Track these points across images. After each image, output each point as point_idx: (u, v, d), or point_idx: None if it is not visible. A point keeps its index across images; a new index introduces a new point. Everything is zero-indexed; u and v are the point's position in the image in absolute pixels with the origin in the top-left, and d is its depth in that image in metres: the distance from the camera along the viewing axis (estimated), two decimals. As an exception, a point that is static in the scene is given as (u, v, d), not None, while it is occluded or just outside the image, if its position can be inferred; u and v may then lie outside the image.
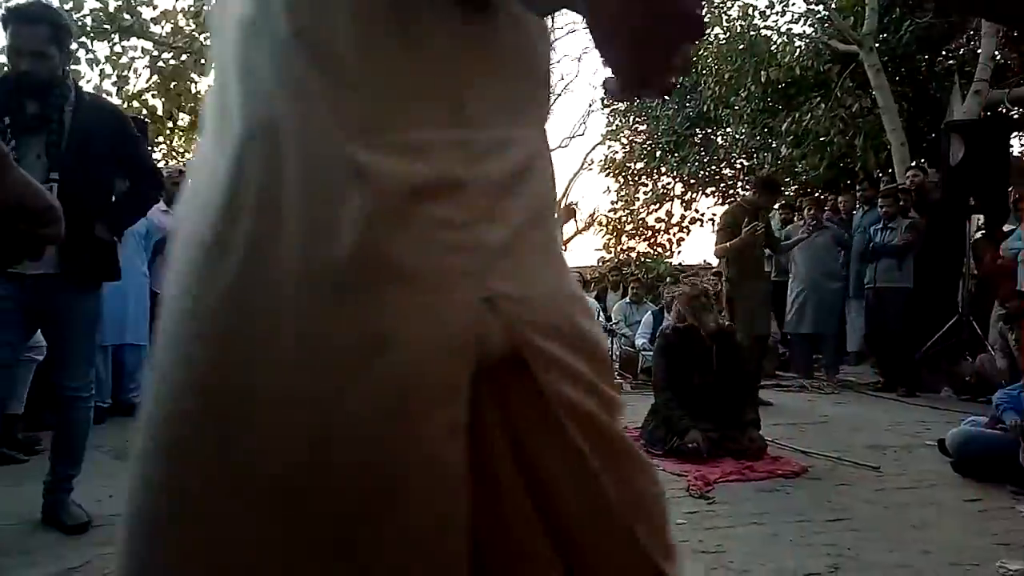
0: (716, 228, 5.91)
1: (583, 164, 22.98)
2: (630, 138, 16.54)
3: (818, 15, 10.95)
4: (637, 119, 16.20)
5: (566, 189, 23.65)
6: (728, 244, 5.44)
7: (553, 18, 25.85)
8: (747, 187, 14.63)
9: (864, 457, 3.82)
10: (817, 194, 9.44)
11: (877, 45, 9.11)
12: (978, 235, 6.92)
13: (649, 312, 7.77)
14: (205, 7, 11.12)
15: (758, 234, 5.38)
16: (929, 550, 2.53)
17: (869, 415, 5.17)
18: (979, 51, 8.99)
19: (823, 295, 6.82)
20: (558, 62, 38.95)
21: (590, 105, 31.74)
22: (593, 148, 22.26)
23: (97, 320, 2.83)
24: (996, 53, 9.13)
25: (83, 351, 2.80)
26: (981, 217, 7.07)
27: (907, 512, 2.98)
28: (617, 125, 16.79)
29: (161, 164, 13.65)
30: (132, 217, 3.05)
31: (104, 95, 10.80)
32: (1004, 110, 9.32)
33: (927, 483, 3.40)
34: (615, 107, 16.68)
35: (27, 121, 2.57)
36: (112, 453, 3.92)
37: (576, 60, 42.25)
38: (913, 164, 7.91)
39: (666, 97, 14.50)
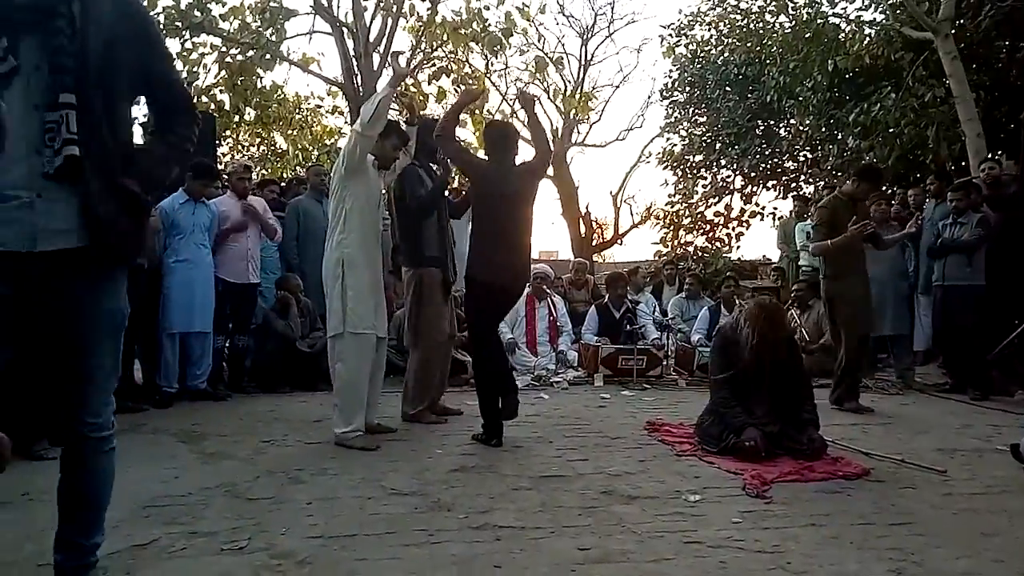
0: (813, 224, 5.67)
1: (640, 157, 22.75)
2: (689, 130, 16.27)
3: (890, 1, 10.53)
4: (697, 111, 15.92)
5: (623, 182, 23.48)
6: (830, 243, 5.18)
7: (612, 8, 25.39)
8: (810, 179, 14.24)
9: (931, 461, 3.68)
10: (883, 188, 9.08)
11: (953, 31, 8.70)
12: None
13: (705, 308, 7.65)
14: (271, 4, 11.39)
15: (868, 233, 5.14)
16: (1000, 558, 2.42)
17: (936, 417, 4.98)
18: (1064, 36, 8.51)
19: (895, 295, 6.55)
20: (616, 53, 38.62)
21: (648, 97, 31.40)
22: (651, 141, 22.03)
23: (124, 321, 1.98)
24: (1083, 38, 8.63)
25: (105, 366, 1.93)
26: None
27: (976, 518, 2.85)
28: (676, 117, 16.55)
29: (227, 157, 14.11)
30: (167, 168, 2.05)
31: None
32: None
33: (998, 489, 3.26)
34: (675, 99, 16.43)
35: (13, 11, 1.73)
36: (178, 436, 4.08)
37: (635, 51, 41.87)
38: (989, 156, 7.55)
39: (727, 88, 14.22)
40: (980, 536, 2.65)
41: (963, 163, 9.14)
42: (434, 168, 4.52)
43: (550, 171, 22.80)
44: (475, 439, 4.03)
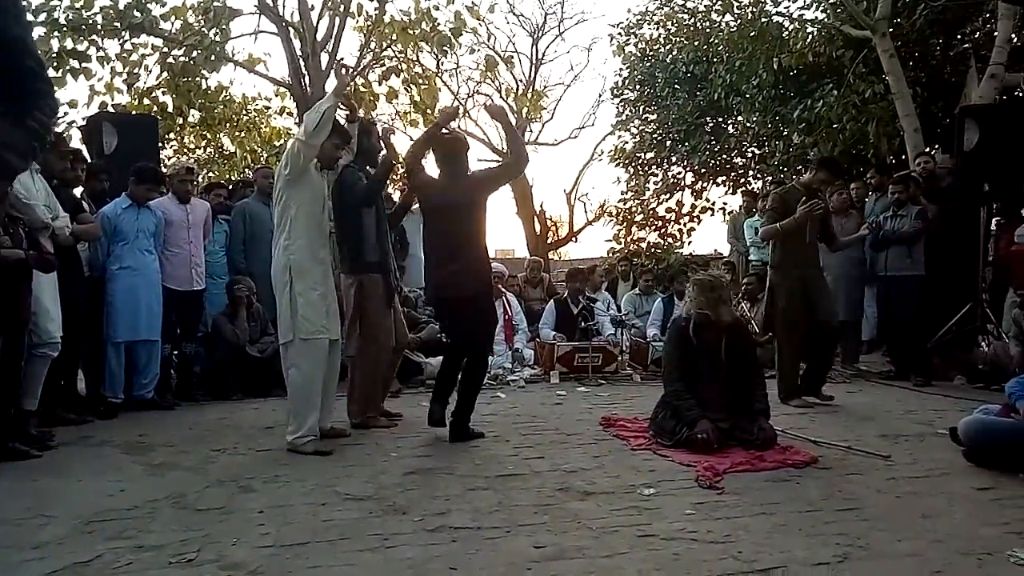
0: (764, 209, 5.51)
1: (593, 154, 22.94)
2: (640, 128, 16.42)
3: (830, 0, 10.81)
4: (647, 109, 16.09)
5: (576, 180, 23.63)
6: (779, 225, 5.09)
7: (562, 7, 25.55)
8: (758, 175, 14.54)
9: (876, 446, 3.79)
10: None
11: (890, 30, 8.98)
12: (996, 221, 6.81)
13: (659, 299, 7.75)
14: (215, 3, 11.14)
15: (816, 213, 5.03)
16: (940, 539, 2.51)
17: (881, 404, 5.13)
18: (995, 34, 8.83)
19: (847, 281, 6.64)
20: (567, 52, 38.84)
21: (599, 95, 31.63)
22: (603, 139, 22.19)
23: None
24: (1013, 36, 8.96)
25: None
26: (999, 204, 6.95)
27: (918, 501, 2.95)
28: (627, 115, 16.68)
29: (172, 160, 13.76)
30: (24, 160, 1.75)
31: (116, 93, 10.89)
32: (1021, 94, 9.16)
33: (939, 472, 3.37)
34: (625, 97, 16.59)
35: None
36: (123, 448, 3.97)
37: (586, 50, 42.16)
38: (926, 151, 7.80)
39: (676, 86, 14.41)
40: (921, 518, 2.74)
41: (903, 157, 9.44)
42: (370, 171, 4.48)
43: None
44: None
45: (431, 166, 4.27)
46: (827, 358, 5.37)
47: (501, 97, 21.36)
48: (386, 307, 4.43)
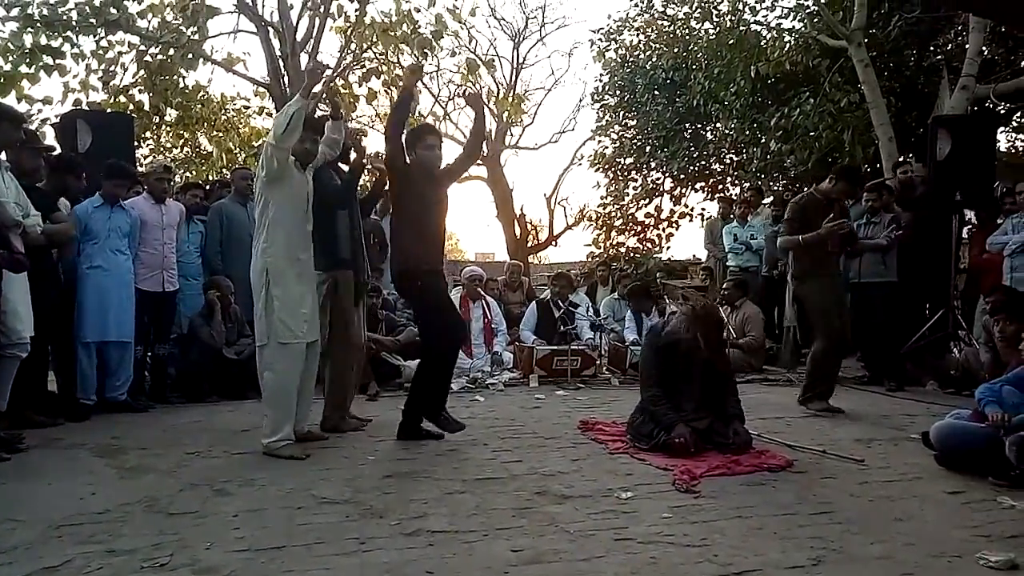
0: (784, 218, 5.41)
1: (573, 159, 23.02)
2: (620, 133, 16.52)
3: (807, 10, 10.94)
4: (627, 114, 16.19)
5: (556, 184, 23.70)
6: (801, 238, 4.99)
7: (543, 12, 25.59)
8: (736, 181, 14.68)
9: (849, 451, 3.84)
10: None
11: (866, 40, 9.12)
12: (968, 229, 6.94)
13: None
14: (193, 1, 11.02)
15: (844, 232, 4.97)
16: (912, 542, 2.55)
17: (855, 409, 5.19)
18: (967, 46, 9.00)
19: None
20: (548, 57, 38.94)
21: (580, 100, 31.76)
22: (583, 144, 22.33)
23: None
24: (984, 48, 9.14)
25: None
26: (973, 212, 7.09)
27: (890, 505, 2.99)
28: (607, 120, 16.77)
29: (148, 159, 13.58)
30: None
31: (91, 90, 10.73)
32: (991, 105, 9.34)
33: (911, 476, 3.42)
34: (605, 103, 16.68)
35: None
36: (95, 451, 3.90)
37: (566, 55, 42.34)
38: (901, 159, 7.93)
39: (656, 92, 14.51)
40: (894, 521, 2.78)
41: (877, 165, 9.58)
42: (343, 169, 4.46)
43: (484, 173, 22.85)
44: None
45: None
46: (836, 368, 5.24)
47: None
48: (355, 304, 4.42)
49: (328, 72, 4.25)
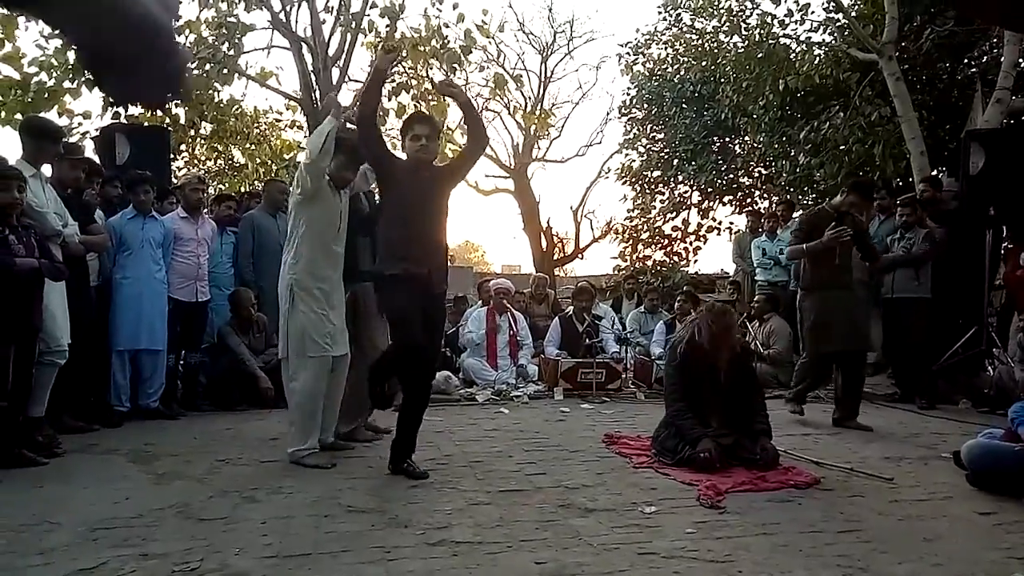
0: (793, 228, 5.52)
1: (600, 172, 23.05)
2: (647, 146, 16.51)
3: (837, 23, 10.87)
4: (655, 128, 16.18)
5: (583, 197, 23.72)
6: (804, 246, 5.09)
7: (571, 26, 25.73)
8: (764, 195, 14.58)
9: (878, 469, 3.79)
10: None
11: (897, 53, 9.03)
12: (1004, 245, 6.80)
13: (661, 321, 7.76)
14: (228, 19, 11.29)
15: (844, 239, 4.97)
16: (940, 563, 2.51)
17: (885, 426, 5.11)
18: (1001, 59, 8.87)
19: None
20: (576, 71, 39.10)
21: (607, 114, 31.79)
22: (610, 156, 22.32)
23: None
24: (1019, 61, 8.99)
25: None
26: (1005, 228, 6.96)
27: (920, 525, 2.95)
28: (634, 134, 16.78)
29: (183, 172, 13.87)
30: None
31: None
32: (1027, 119, 9.19)
33: (941, 495, 3.37)
34: (632, 116, 16.69)
35: None
36: (129, 457, 3.99)
37: (594, 69, 42.43)
38: (932, 173, 7.82)
39: (684, 105, 14.49)
40: (922, 541, 2.73)
41: (909, 179, 9.45)
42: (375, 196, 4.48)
43: (511, 185, 22.93)
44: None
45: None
46: (853, 386, 5.19)
47: (509, 114, 21.54)
48: (380, 316, 4.43)
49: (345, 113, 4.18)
